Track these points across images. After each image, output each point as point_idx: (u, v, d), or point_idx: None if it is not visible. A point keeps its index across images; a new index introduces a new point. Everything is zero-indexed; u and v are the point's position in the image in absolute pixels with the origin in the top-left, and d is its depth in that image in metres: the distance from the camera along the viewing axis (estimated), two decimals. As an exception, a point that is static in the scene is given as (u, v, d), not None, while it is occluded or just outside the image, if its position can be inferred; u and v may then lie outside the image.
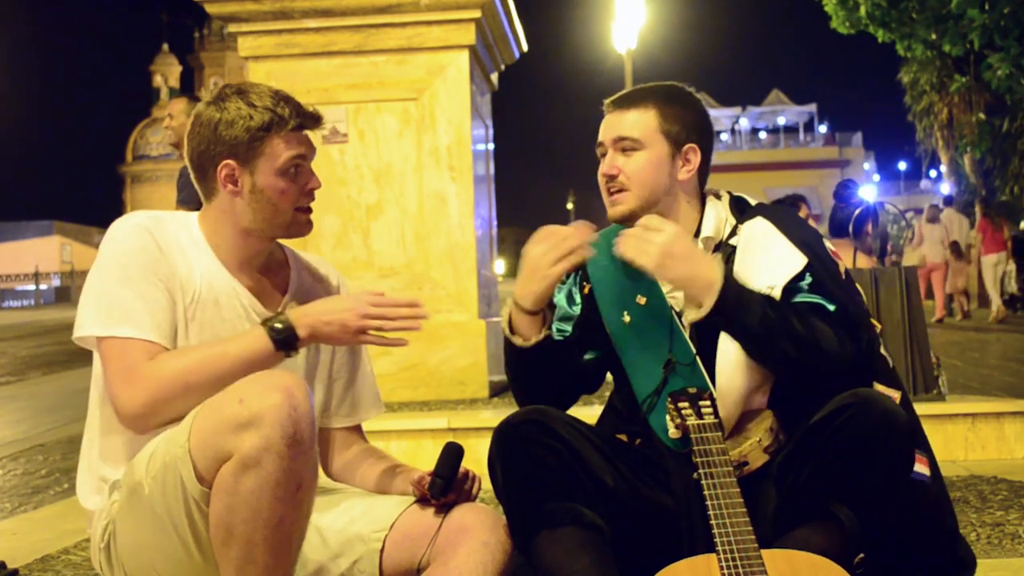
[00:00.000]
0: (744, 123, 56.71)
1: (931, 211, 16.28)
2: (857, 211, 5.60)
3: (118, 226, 2.02)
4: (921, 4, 16.53)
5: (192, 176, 2.08)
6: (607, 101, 2.29)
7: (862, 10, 17.06)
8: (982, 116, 21.43)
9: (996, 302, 15.42)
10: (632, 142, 2.21)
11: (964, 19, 15.31)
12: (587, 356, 2.34)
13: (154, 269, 1.98)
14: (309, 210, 2.09)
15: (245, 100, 2.01)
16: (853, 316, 2.14)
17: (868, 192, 9.39)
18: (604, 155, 2.26)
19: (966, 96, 23.20)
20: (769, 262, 2.15)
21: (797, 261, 2.14)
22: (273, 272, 2.15)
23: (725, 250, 2.22)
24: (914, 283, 5.01)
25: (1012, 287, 16.87)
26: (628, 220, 2.24)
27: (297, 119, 2.02)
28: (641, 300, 2.24)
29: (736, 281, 2.10)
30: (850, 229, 5.57)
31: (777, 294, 2.10)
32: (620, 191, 2.23)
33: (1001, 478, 3.97)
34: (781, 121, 56.99)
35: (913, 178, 52.29)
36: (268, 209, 2.03)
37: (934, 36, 16.72)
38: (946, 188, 27.66)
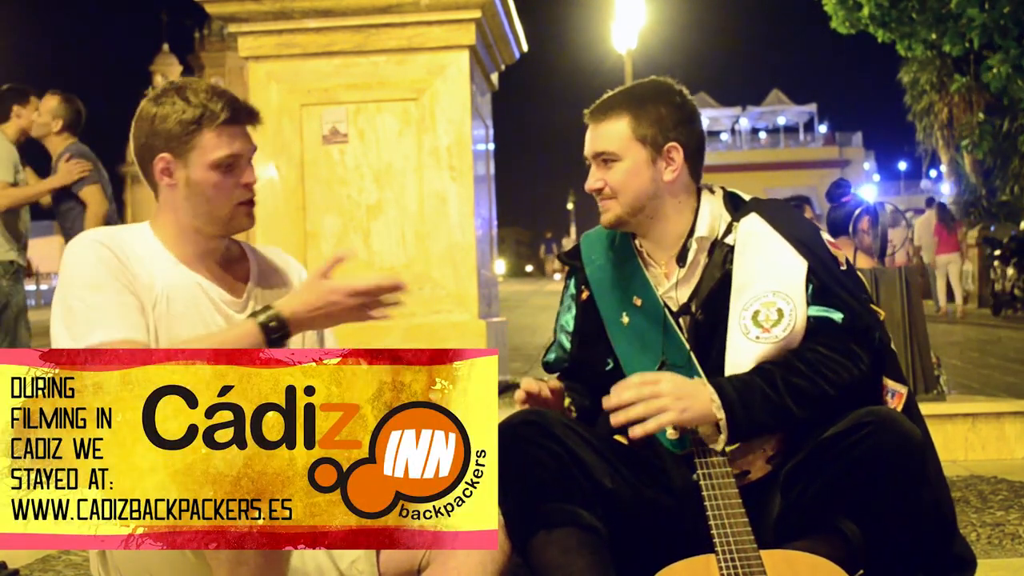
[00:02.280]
0: (744, 123, 56.65)
1: (893, 216, 16.64)
2: (858, 211, 5.60)
3: (73, 245, 2.03)
4: (921, 4, 16.54)
5: (140, 172, 2.11)
6: (586, 112, 2.27)
7: (864, 10, 17.06)
8: (982, 116, 21.41)
9: (954, 300, 16.40)
10: (609, 155, 2.19)
11: (964, 19, 15.31)
12: (606, 368, 2.31)
13: (118, 276, 1.98)
14: (250, 204, 2.09)
15: (181, 95, 2.04)
16: (862, 320, 2.12)
17: (868, 192, 9.41)
18: (589, 167, 2.26)
19: (966, 96, 23.18)
20: (769, 268, 2.12)
21: (799, 268, 2.11)
22: (234, 264, 2.17)
23: (721, 250, 2.19)
24: (914, 283, 5.01)
25: (970, 286, 17.58)
26: (619, 227, 2.25)
27: (228, 112, 2.03)
28: (637, 301, 2.23)
29: (726, 381, 2.03)
30: (850, 228, 5.57)
31: (803, 314, 2.07)
32: (608, 199, 2.22)
33: (1001, 478, 3.97)
34: (781, 121, 56.92)
35: (913, 178, 52.26)
36: (203, 203, 2.04)
37: (934, 36, 16.73)
38: (946, 188, 27.66)
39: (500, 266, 39.63)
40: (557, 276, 38.95)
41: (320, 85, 5.64)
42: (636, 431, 1.98)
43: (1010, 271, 16.42)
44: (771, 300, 2.09)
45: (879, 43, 18.07)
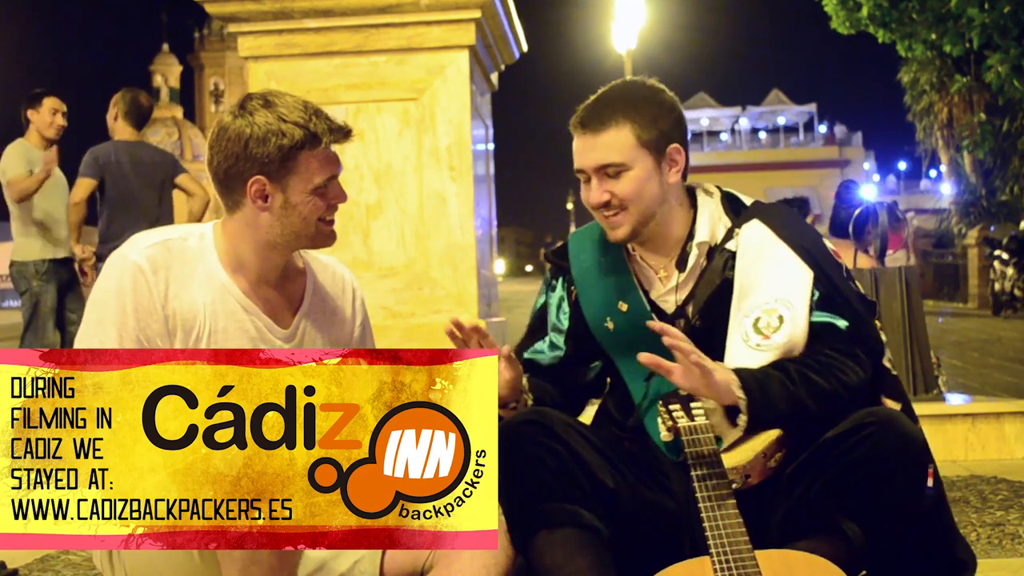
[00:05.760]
0: (744, 123, 56.70)
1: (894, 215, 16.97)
2: (857, 211, 5.61)
3: (111, 262, 1.98)
4: (921, 4, 16.55)
5: (215, 187, 2.03)
6: (573, 122, 2.14)
7: (864, 11, 17.08)
8: (983, 116, 21.42)
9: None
10: (616, 166, 2.11)
11: (964, 19, 15.32)
12: (592, 368, 2.30)
13: (131, 317, 1.94)
14: (332, 221, 2.05)
15: (275, 114, 1.94)
16: (864, 328, 2.12)
17: (869, 191, 9.46)
18: (587, 181, 2.15)
19: (966, 96, 23.19)
20: (773, 276, 2.10)
21: (803, 277, 2.10)
22: (291, 281, 2.11)
23: (722, 256, 2.17)
24: (914, 283, 5.02)
25: None
26: (632, 239, 2.18)
27: (330, 135, 1.97)
28: (623, 306, 2.20)
29: (748, 371, 2.00)
30: (850, 230, 5.58)
31: (804, 321, 2.06)
32: (616, 213, 2.14)
33: (1001, 478, 3.98)
34: (781, 121, 56.98)
35: (913, 178, 52.29)
36: (294, 224, 1.99)
37: (934, 36, 16.74)
38: (946, 188, 27.66)
39: (500, 266, 39.54)
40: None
41: (320, 85, 5.64)
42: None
43: (1010, 271, 16.44)
44: (773, 307, 2.07)
45: (879, 43, 18.09)
